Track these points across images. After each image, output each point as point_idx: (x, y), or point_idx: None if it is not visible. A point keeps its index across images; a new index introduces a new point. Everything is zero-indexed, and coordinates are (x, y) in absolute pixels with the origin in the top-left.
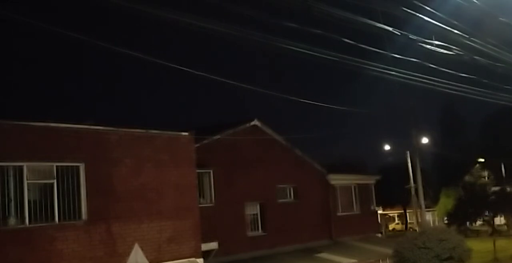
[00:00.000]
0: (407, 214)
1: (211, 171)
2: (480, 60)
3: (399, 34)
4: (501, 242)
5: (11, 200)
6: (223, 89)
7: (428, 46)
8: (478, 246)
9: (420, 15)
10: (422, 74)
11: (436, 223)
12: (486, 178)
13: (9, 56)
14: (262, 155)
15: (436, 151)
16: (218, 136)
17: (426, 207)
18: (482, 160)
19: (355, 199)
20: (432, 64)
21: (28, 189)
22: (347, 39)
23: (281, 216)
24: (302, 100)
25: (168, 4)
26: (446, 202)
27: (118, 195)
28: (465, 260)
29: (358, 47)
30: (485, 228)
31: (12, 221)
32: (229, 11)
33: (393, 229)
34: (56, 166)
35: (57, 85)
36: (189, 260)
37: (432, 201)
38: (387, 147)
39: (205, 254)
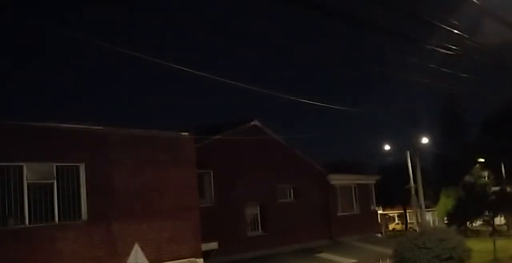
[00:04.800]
0: (407, 214)
1: (211, 171)
2: (480, 60)
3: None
4: (501, 242)
5: (11, 200)
6: (223, 89)
7: (428, 46)
8: (478, 246)
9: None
10: (422, 74)
11: (436, 223)
12: (486, 178)
13: (9, 55)
14: (262, 155)
15: (436, 151)
16: (218, 136)
17: (426, 207)
18: (482, 160)
19: (355, 199)
20: (432, 64)
21: (28, 189)
22: (346, 38)
23: (281, 216)
24: (302, 100)
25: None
26: (446, 202)
27: (118, 195)
28: (465, 260)
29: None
30: (485, 228)
31: (12, 221)
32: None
33: (393, 229)
34: (56, 166)
35: (57, 85)
36: (189, 260)
37: (432, 201)
38: (387, 147)
39: (205, 254)
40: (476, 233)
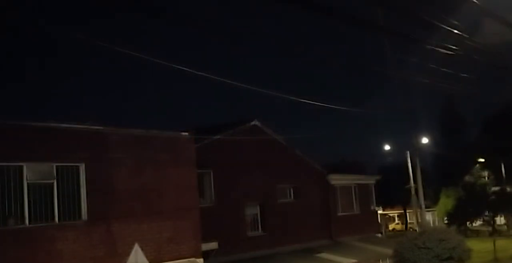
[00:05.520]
0: (407, 214)
1: (211, 171)
2: (480, 60)
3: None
4: (501, 242)
5: (11, 200)
6: (223, 89)
7: (428, 46)
8: (478, 246)
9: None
10: (422, 74)
11: (436, 223)
12: (486, 178)
13: (9, 55)
14: (262, 155)
15: (436, 151)
16: (218, 136)
17: (426, 207)
18: (482, 160)
19: (355, 199)
20: (432, 64)
21: (28, 189)
22: (346, 38)
23: (281, 216)
24: (302, 100)
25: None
26: (446, 202)
27: (118, 195)
28: (465, 260)
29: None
30: (485, 228)
31: (12, 221)
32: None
33: (393, 229)
34: (56, 166)
35: (57, 85)
36: (189, 260)
37: (432, 201)
38: (387, 147)
39: (205, 254)
40: (476, 233)
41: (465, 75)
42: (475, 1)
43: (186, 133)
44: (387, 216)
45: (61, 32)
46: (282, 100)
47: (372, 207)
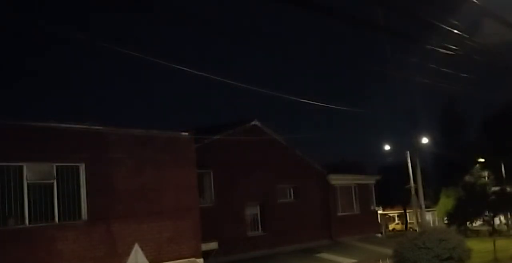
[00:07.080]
0: (407, 214)
1: (211, 171)
2: (480, 60)
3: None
4: (501, 242)
5: (11, 200)
6: (224, 89)
7: (428, 46)
8: (478, 246)
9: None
10: (422, 74)
11: (436, 223)
12: (486, 178)
13: (10, 56)
14: (262, 155)
15: (436, 151)
16: (218, 136)
17: (426, 207)
18: (482, 160)
19: (355, 199)
20: (432, 64)
21: (28, 189)
22: (346, 38)
23: (281, 216)
24: (302, 100)
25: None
26: (446, 202)
27: (118, 195)
28: (465, 260)
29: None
30: (485, 228)
31: (12, 221)
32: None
33: (393, 229)
34: (56, 166)
35: (56, 85)
36: (189, 260)
37: (432, 201)
38: (387, 147)
39: (205, 254)
40: (476, 233)
41: (465, 75)
42: (475, 1)
43: (186, 133)
44: (387, 216)
45: (61, 32)
46: (282, 100)
47: (372, 207)
